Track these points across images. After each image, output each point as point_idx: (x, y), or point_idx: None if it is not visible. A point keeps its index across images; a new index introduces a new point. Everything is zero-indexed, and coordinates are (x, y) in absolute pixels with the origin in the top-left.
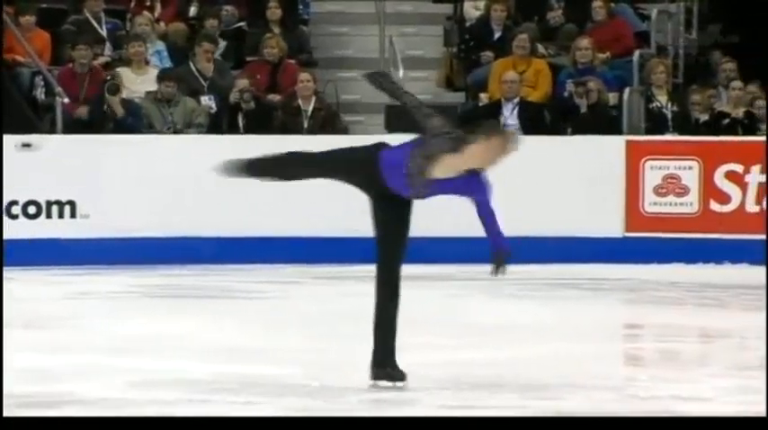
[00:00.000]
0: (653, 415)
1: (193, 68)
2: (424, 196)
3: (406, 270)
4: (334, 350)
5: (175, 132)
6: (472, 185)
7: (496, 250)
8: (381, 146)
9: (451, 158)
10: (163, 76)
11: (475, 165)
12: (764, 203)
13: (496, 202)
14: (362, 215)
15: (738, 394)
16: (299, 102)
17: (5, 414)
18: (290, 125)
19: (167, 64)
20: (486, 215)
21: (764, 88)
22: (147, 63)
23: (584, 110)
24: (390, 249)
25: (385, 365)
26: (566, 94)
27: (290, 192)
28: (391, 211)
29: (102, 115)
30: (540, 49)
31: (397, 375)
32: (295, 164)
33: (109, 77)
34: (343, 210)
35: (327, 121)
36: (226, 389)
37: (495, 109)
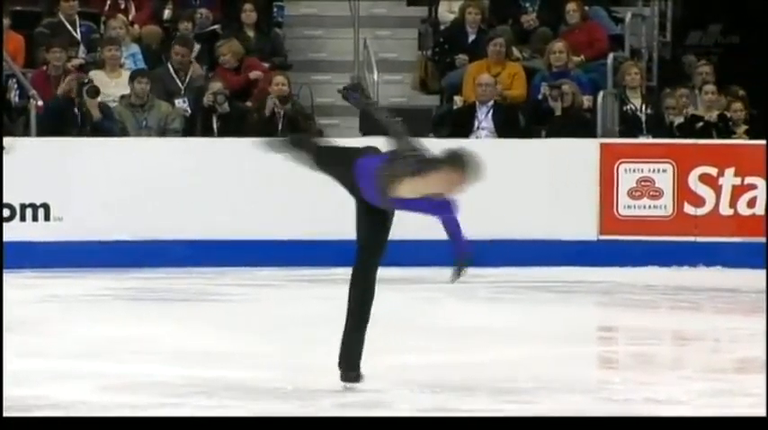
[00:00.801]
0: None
1: (171, 70)
2: (393, 209)
3: (380, 273)
4: (307, 353)
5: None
6: (437, 209)
7: (460, 253)
8: (365, 151)
9: (414, 182)
10: (135, 75)
11: (435, 190)
12: (764, 207)
13: (463, 219)
14: (335, 219)
15: (712, 397)
16: (274, 104)
17: None
18: (263, 128)
19: (141, 67)
20: (452, 227)
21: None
22: (120, 66)
23: (558, 113)
24: (367, 254)
25: (353, 367)
26: (540, 96)
27: (263, 194)
28: (371, 216)
29: (73, 117)
30: (515, 52)
31: (353, 376)
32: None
33: (87, 80)
34: (317, 213)
35: (301, 124)
36: (198, 393)
37: (469, 112)
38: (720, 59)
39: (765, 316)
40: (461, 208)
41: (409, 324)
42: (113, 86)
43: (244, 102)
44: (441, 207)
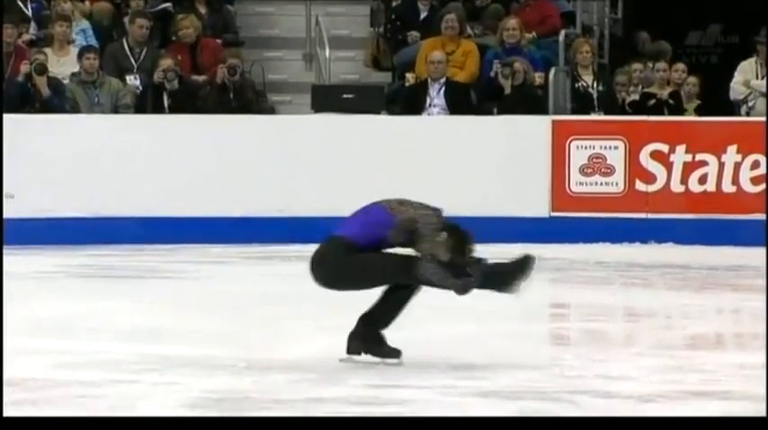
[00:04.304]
0: (583, 391)
1: (125, 46)
2: None
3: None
4: (260, 330)
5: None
6: None
7: None
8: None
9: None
10: (83, 51)
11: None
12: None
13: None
14: (288, 196)
15: (663, 373)
16: (226, 82)
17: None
18: (215, 105)
19: (92, 43)
20: None
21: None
22: (69, 43)
23: (508, 91)
24: None
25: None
26: (492, 74)
27: (215, 171)
28: None
29: (27, 95)
30: (467, 29)
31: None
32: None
33: (34, 59)
34: (270, 190)
35: (253, 101)
36: (151, 370)
37: (421, 89)
38: (720, 59)
39: (765, 306)
40: None
41: (360, 302)
42: (61, 65)
43: (199, 74)
44: None
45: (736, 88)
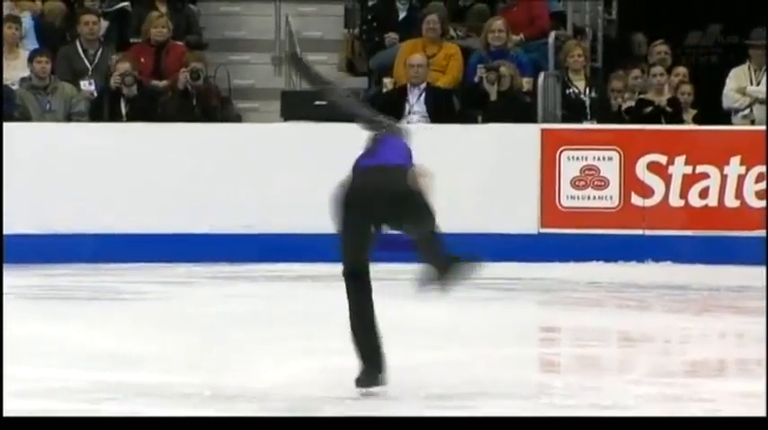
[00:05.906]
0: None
1: (79, 48)
2: None
3: (305, 269)
4: (228, 355)
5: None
6: None
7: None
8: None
9: None
10: (34, 55)
11: None
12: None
13: None
14: (257, 211)
15: (661, 402)
16: (188, 87)
17: None
18: (176, 113)
19: (38, 36)
20: None
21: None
22: (17, 46)
23: (493, 97)
24: None
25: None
26: (476, 79)
27: (178, 184)
28: None
29: None
30: (450, 30)
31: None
32: None
33: None
34: (237, 204)
35: (217, 108)
36: (108, 399)
37: (400, 95)
38: (720, 59)
39: (766, 316)
40: None
41: (335, 324)
42: (11, 69)
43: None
44: None
45: (730, 95)
